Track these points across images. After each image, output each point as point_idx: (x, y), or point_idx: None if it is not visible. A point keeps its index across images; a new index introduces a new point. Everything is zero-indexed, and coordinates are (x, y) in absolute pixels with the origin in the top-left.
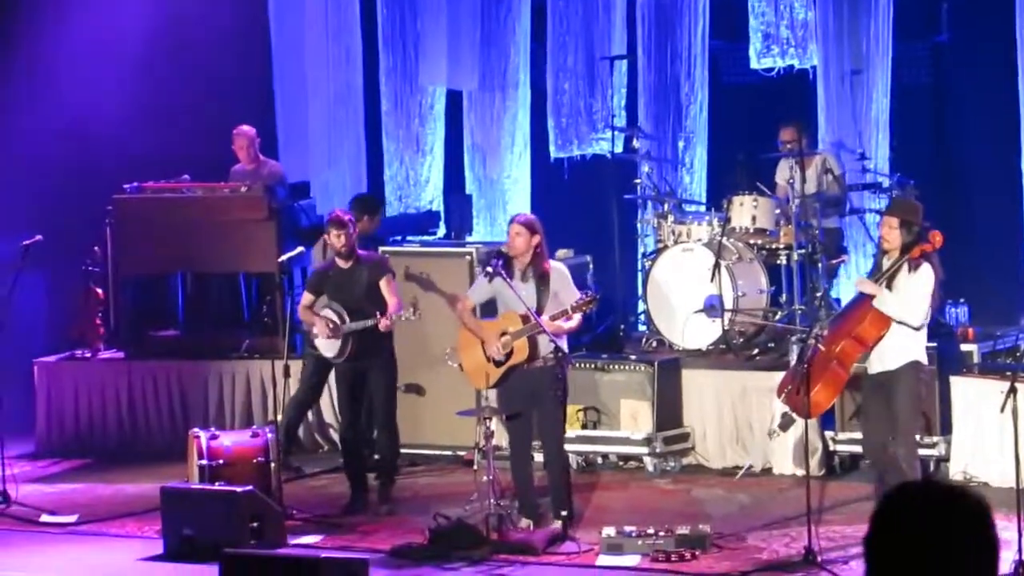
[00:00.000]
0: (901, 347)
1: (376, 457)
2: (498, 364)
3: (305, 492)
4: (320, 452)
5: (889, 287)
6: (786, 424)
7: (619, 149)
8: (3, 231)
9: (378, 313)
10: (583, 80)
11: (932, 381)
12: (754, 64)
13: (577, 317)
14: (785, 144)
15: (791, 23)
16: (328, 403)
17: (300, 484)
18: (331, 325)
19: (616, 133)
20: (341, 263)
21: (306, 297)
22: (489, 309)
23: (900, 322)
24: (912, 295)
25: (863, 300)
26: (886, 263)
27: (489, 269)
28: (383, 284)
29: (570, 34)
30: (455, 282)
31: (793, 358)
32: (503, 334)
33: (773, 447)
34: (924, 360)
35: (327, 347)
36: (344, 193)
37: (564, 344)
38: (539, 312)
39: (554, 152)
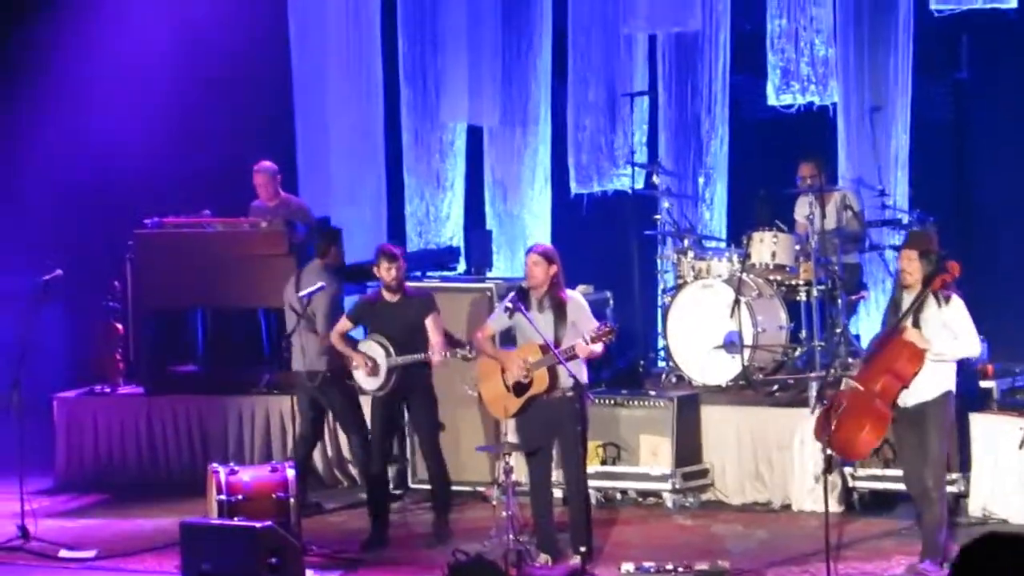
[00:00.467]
0: (936, 378)
1: (393, 492)
2: (518, 393)
3: (324, 528)
4: (339, 487)
5: (916, 322)
6: (831, 467)
7: (640, 185)
8: (23, 266)
9: (430, 350)
10: (604, 116)
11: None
12: (772, 100)
13: (598, 344)
14: (804, 180)
15: (811, 60)
16: (346, 439)
17: (319, 520)
18: (370, 364)
19: (636, 169)
20: (388, 296)
21: (343, 323)
22: (507, 339)
23: (965, 358)
24: (961, 331)
25: (895, 336)
26: (907, 298)
27: (509, 305)
28: (429, 321)
29: (591, 70)
30: (475, 317)
31: (812, 395)
32: (523, 363)
33: (793, 483)
34: (954, 390)
35: (367, 381)
36: (365, 228)
37: (584, 376)
38: (557, 342)
39: (575, 188)
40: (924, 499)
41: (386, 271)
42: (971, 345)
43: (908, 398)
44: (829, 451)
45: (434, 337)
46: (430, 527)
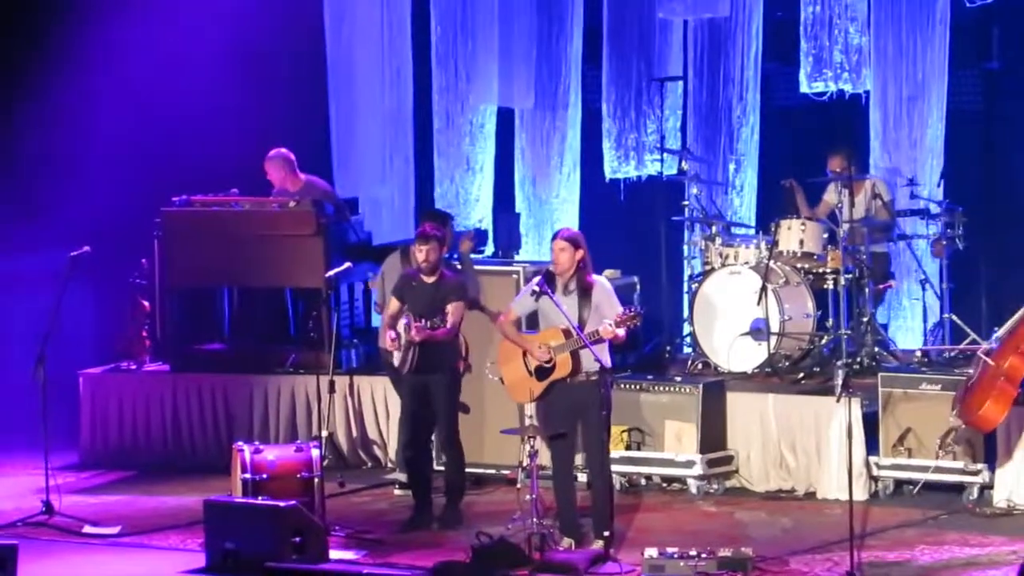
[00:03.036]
0: None
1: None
2: (540, 378)
3: (348, 508)
4: (363, 468)
5: None
6: (956, 439)
7: (673, 171)
8: (51, 242)
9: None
10: (639, 101)
11: None
12: (804, 88)
13: (622, 328)
14: (834, 173)
15: (845, 47)
16: (372, 419)
17: (343, 500)
18: (393, 338)
19: (668, 155)
20: (424, 276)
21: (392, 303)
22: (531, 323)
23: None
24: None
25: None
26: None
27: (536, 288)
28: (450, 307)
29: (626, 55)
30: (502, 300)
31: (838, 383)
32: (546, 348)
33: (818, 471)
34: None
35: (396, 355)
36: (393, 210)
37: (607, 360)
38: (581, 326)
39: (609, 173)
40: None
41: (418, 251)
42: None
43: None
44: (958, 422)
45: (450, 320)
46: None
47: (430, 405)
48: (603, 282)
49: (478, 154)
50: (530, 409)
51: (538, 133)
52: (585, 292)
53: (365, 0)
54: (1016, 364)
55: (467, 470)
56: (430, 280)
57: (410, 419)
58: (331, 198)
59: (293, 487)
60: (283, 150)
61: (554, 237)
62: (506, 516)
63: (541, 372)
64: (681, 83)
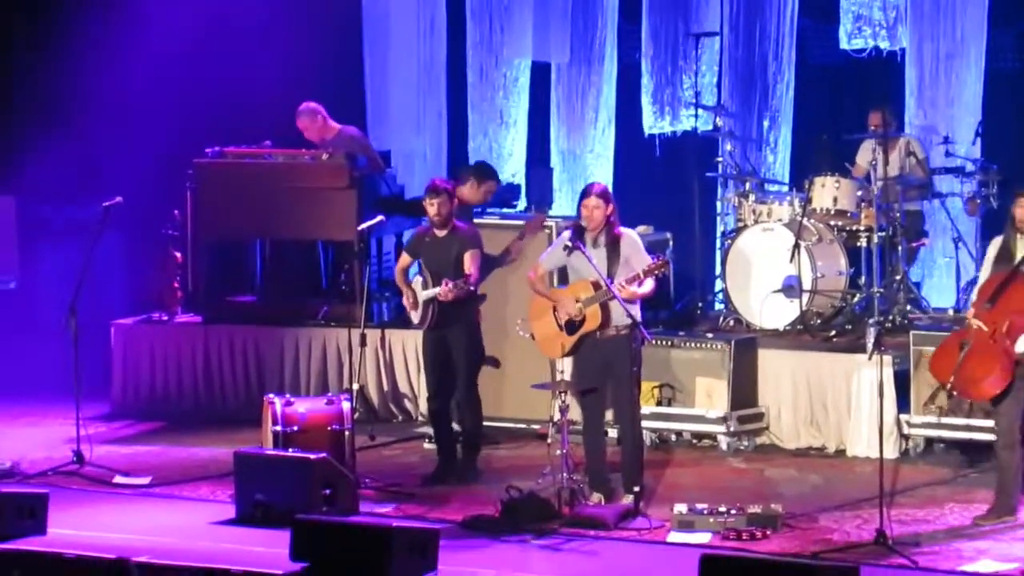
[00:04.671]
0: None
1: (457, 428)
2: (570, 332)
3: (378, 461)
4: (394, 421)
5: None
6: (955, 406)
7: (707, 127)
8: (84, 193)
9: (444, 281)
10: (675, 56)
11: None
12: (844, 45)
13: (650, 282)
14: (875, 129)
15: (883, 4)
16: (403, 373)
17: (373, 453)
18: (411, 298)
19: (703, 111)
20: (436, 230)
21: (403, 258)
22: (559, 277)
23: None
24: None
25: (1017, 276)
26: (1021, 243)
27: (568, 244)
28: (467, 256)
29: (664, 10)
30: (534, 255)
31: (870, 341)
32: (576, 301)
33: (848, 428)
34: None
35: (414, 315)
36: (425, 163)
37: (637, 312)
38: (610, 278)
39: (648, 129)
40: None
41: (429, 205)
42: None
43: (1019, 344)
44: (953, 390)
45: (470, 271)
46: (480, 463)
47: (452, 359)
48: (631, 234)
49: (512, 108)
50: (561, 364)
51: (573, 87)
52: (614, 244)
53: None
54: (1016, 325)
55: (498, 424)
56: (442, 233)
57: (433, 373)
58: (365, 147)
59: (323, 439)
60: (310, 104)
61: (585, 194)
62: (536, 471)
63: (571, 326)
64: (718, 39)
